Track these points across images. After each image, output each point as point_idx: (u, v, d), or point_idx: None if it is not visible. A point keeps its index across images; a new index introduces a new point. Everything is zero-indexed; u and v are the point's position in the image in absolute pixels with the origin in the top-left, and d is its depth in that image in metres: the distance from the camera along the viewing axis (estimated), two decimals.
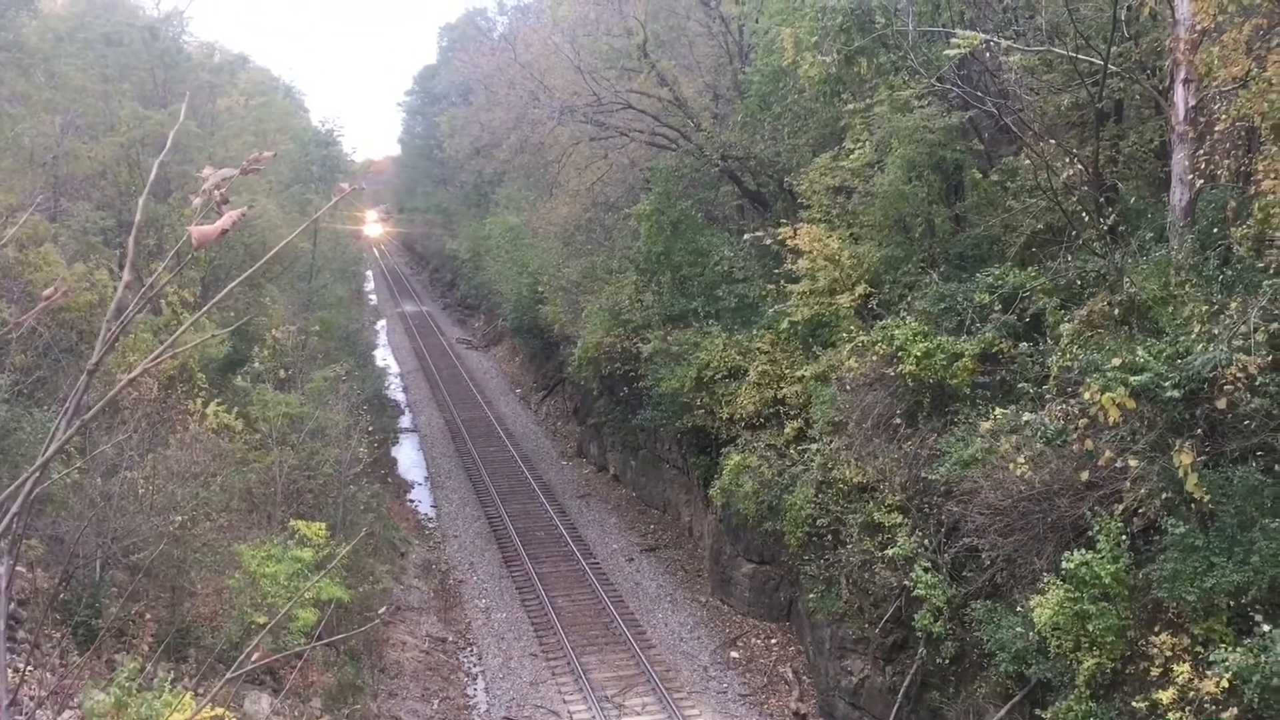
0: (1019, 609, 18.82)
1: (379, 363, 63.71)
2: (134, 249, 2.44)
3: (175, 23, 55.83)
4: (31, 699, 13.70)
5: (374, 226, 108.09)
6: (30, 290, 24.64)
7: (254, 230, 35.22)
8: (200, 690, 16.76)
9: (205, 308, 2.60)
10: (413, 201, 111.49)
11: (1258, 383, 15.74)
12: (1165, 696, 15.51)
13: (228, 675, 2.99)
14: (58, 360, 24.70)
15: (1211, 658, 15.38)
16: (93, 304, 26.34)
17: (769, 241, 29.53)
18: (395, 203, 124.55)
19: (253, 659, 3.16)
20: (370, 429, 35.94)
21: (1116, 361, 16.99)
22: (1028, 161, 23.81)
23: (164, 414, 25.45)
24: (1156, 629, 16.77)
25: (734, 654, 30.01)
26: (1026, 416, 18.95)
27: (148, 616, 20.08)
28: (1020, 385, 20.99)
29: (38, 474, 2.40)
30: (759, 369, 29.81)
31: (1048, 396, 19.34)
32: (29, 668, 15.43)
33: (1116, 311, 19.39)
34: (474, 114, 62.96)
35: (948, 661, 21.64)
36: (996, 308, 22.81)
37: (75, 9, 58.17)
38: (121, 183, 35.40)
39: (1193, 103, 19.43)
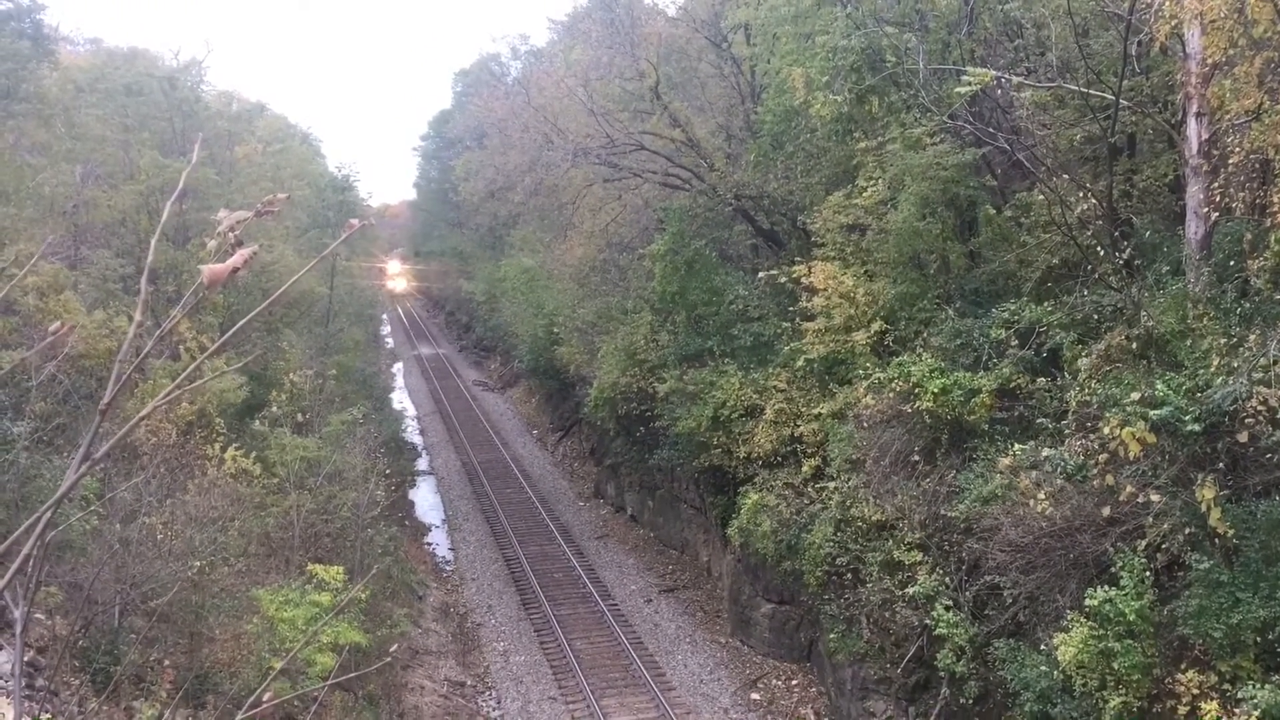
0: (1042, 647, 18.59)
1: (396, 405, 63.88)
2: (146, 291, 2.46)
3: (194, 72, 56.65)
4: None
5: (398, 280, 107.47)
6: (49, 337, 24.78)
7: (271, 275, 35.49)
8: None
9: (218, 343, 2.61)
10: (428, 245, 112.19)
11: (1279, 415, 15.61)
12: None
13: (239, 717, 2.97)
14: (77, 407, 24.84)
15: (1239, 695, 15.15)
16: (112, 351, 26.50)
17: (783, 280, 29.55)
18: (411, 246, 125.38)
19: (265, 699, 3.14)
20: (387, 472, 35.94)
21: (1135, 396, 16.89)
22: (1041, 197, 23.83)
23: (182, 459, 25.51)
24: (1183, 666, 16.54)
25: (755, 695, 29.71)
26: (1046, 452, 18.84)
27: (166, 663, 20.02)
28: (1039, 420, 20.87)
29: (49, 514, 2.40)
30: (775, 407, 29.73)
31: (1067, 431, 19.22)
32: (48, 715, 15.38)
33: (1134, 345, 19.29)
34: (488, 157, 63.46)
35: (971, 702, 21.36)
36: (1013, 343, 22.74)
37: (96, 60, 59.11)
38: (141, 230, 35.75)
39: (1206, 136, 19.44)
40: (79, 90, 46.94)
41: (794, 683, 30.14)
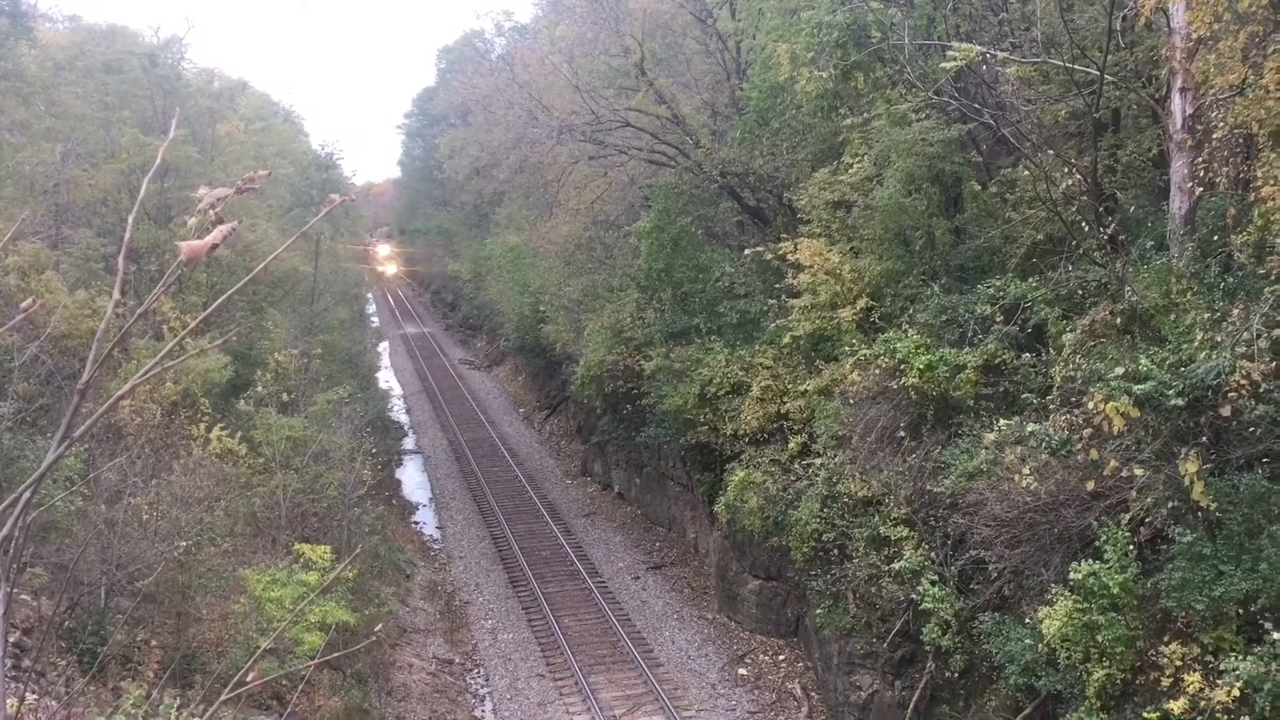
0: (1027, 621, 18.73)
1: (382, 385, 63.74)
2: (125, 269, 2.43)
3: (174, 50, 56.17)
4: None
5: (389, 264, 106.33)
6: (32, 318, 24.66)
7: (255, 254, 35.28)
8: (204, 716, 16.67)
9: (198, 320, 2.59)
10: (413, 223, 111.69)
11: (1262, 389, 15.69)
12: (1176, 706, 15.42)
13: (223, 696, 2.96)
14: (60, 388, 24.71)
15: (1222, 666, 15.30)
16: (95, 331, 26.33)
17: (769, 257, 29.53)
18: (396, 225, 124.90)
19: (249, 679, 3.13)
20: (374, 451, 35.91)
21: (1119, 370, 16.95)
22: (1026, 172, 23.83)
23: (167, 439, 25.43)
24: (1166, 639, 16.68)
25: (742, 671, 29.87)
26: (1031, 427, 18.91)
27: (153, 643, 19.99)
28: (1024, 396, 20.96)
29: (29, 494, 2.38)
30: (762, 384, 29.76)
31: (1051, 407, 19.29)
32: (34, 696, 15.36)
33: (1118, 320, 19.35)
34: (473, 135, 63.18)
35: (957, 675, 21.53)
36: (998, 319, 22.78)
37: (75, 38, 58.56)
38: (123, 209, 35.50)
39: (1190, 111, 19.45)
40: (58, 68, 46.55)
41: (781, 658, 30.32)
